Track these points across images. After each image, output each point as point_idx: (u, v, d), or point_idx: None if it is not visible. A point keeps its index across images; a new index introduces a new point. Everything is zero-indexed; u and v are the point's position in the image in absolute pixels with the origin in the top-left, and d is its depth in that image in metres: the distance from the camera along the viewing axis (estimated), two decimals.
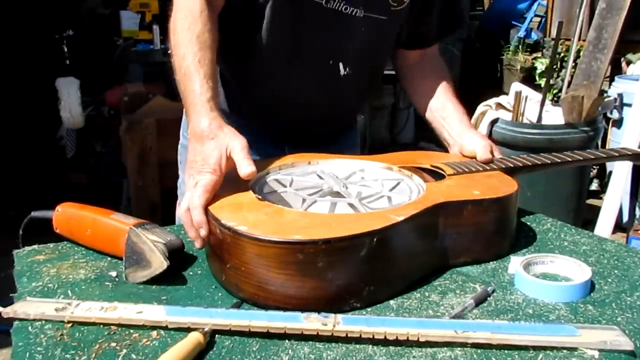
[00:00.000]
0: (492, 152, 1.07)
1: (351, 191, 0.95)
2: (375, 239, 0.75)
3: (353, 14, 1.06)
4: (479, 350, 0.66)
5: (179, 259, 0.87)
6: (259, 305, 0.76)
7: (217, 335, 0.69)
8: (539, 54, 4.79)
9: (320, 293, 0.74)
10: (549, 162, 1.02)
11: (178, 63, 0.96)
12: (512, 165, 1.02)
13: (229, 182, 0.88)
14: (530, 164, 1.02)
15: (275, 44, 1.07)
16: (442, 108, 1.17)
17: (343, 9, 1.05)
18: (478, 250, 0.89)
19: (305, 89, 1.12)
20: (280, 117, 1.16)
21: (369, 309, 0.75)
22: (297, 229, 0.75)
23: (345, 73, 1.10)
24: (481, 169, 1.01)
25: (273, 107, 1.15)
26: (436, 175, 0.99)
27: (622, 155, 1.06)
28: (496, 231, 0.91)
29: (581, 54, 2.98)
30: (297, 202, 0.95)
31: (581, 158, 1.04)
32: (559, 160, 1.03)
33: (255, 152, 0.96)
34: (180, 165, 1.27)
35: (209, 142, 0.88)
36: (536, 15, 5.37)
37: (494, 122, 2.89)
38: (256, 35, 1.07)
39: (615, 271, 0.87)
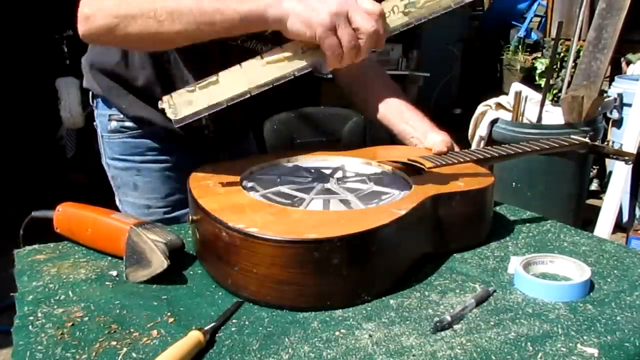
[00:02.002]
0: (451, 147, 1.15)
1: (341, 187, 0.96)
2: (385, 233, 0.77)
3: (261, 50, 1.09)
4: (478, 349, 0.67)
5: (180, 258, 0.87)
6: (272, 306, 0.75)
7: (217, 334, 0.69)
8: (539, 54, 4.80)
9: (334, 289, 0.75)
10: (513, 152, 1.09)
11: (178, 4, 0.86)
12: (481, 157, 1.09)
13: (218, 183, 0.88)
14: (497, 155, 1.10)
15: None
16: (401, 112, 1.24)
17: (259, 49, 1.08)
18: (464, 236, 0.94)
19: (226, 114, 1.16)
20: (207, 136, 1.23)
21: (369, 308, 0.76)
22: (308, 227, 0.75)
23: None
24: (456, 161, 1.06)
25: (200, 129, 1.21)
26: (413, 168, 1.02)
27: (571, 144, 1.11)
28: (478, 218, 0.97)
29: (581, 54, 2.98)
30: (293, 201, 0.96)
31: (538, 148, 1.12)
32: (513, 152, 1.10)
33: (191, 163, 1.02)
34: (119, 189, 1.25)
35: None
36: (536, 15, 5.38)
37: (494, 122, 2.90)
38: (183, 72, 1.12)
39: (615, 271, 0.87)
